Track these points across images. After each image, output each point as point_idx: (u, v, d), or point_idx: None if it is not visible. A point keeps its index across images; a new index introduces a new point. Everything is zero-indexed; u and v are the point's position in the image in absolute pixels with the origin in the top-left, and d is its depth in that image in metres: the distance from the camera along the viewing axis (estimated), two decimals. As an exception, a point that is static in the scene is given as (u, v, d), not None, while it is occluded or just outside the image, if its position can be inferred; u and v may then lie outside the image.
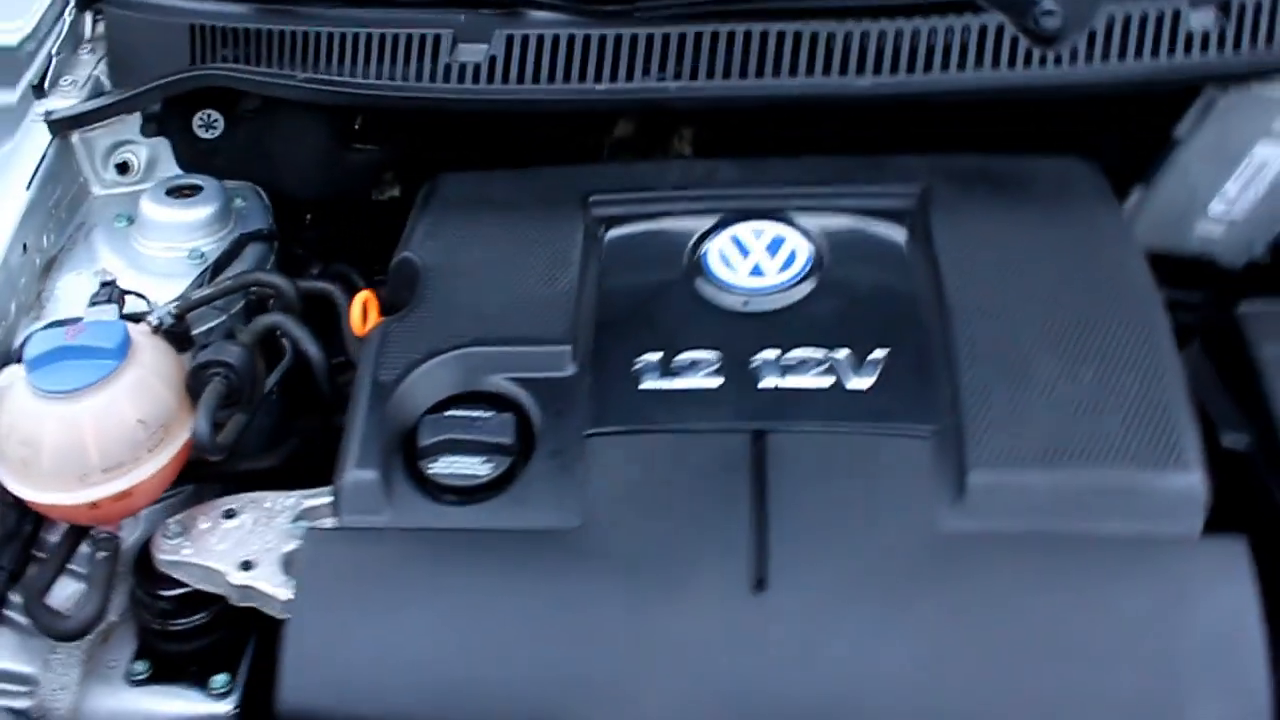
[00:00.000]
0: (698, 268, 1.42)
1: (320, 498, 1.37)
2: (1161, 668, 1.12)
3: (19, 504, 1.42)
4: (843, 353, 1.31)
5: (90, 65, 1.80)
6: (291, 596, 1.27)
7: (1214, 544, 1.18)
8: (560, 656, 1.17)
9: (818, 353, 1.31)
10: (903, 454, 1.24)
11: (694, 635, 1.16)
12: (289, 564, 1.33)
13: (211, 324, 1.58)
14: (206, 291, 1.54)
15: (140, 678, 1.43)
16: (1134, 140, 1.60)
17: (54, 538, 1.48)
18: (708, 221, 1.46)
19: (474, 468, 1.28)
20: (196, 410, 1.39)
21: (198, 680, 1.42)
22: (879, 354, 1.31)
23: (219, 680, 1.42)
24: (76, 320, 1.45)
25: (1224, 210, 1.57)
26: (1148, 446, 1.21)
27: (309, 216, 1.82)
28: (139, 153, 1.79)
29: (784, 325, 1.35)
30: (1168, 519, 1.19)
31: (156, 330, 1.48)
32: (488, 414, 1.31)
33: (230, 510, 1.39)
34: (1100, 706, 1.12)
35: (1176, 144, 1.55)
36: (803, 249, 1.42)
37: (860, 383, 1.29)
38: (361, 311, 1.45)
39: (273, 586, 1.31)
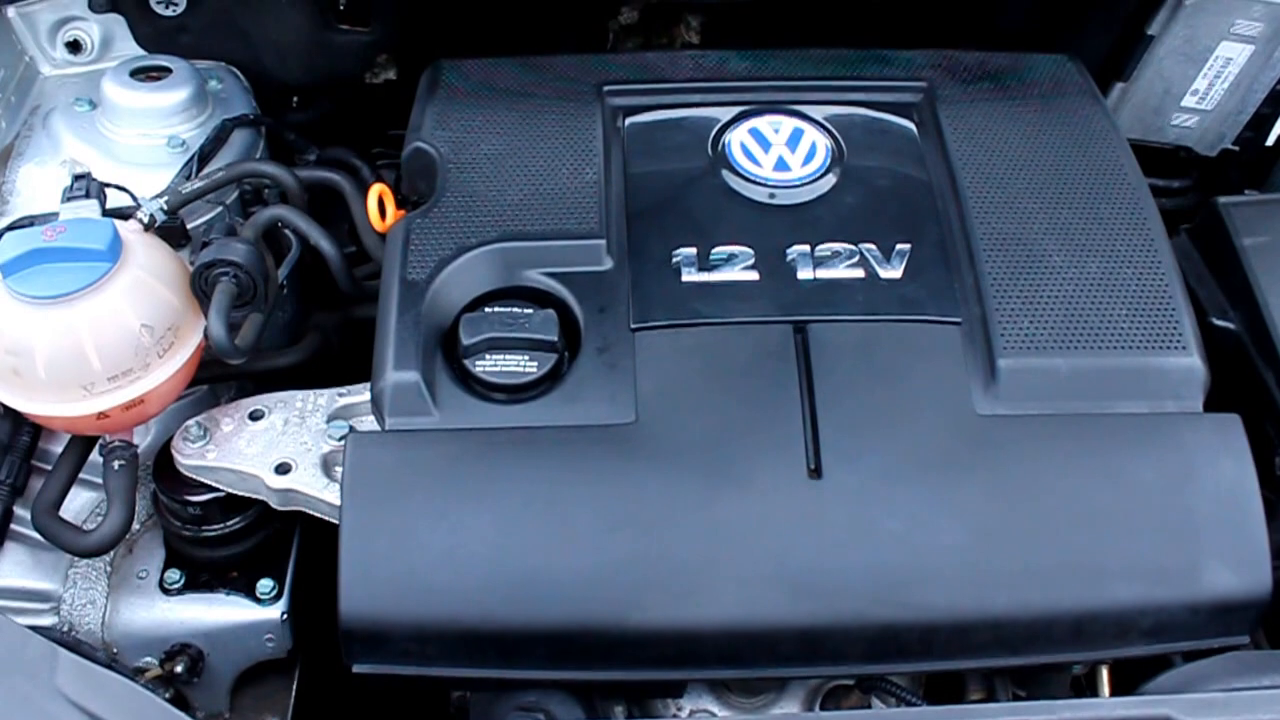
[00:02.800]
0: (723, 160, 1.43)
1: (354, 395, 1.36)
2: (1176, 530, 1.24)
3: (11, 414, 1.36)
4: (870, 244, 1.36)
5: None
6: (337, 499, 1.26)
7: (1213, 420, 1.29)
8: (629, 548, 1.21)
9: (848, 245, 1.36)
10: (937, 341, 1.30)
11: (758, 521, 1.21)
12: (329, 465, 1.33)
13: (205, 218, 1.52)
14: (198, 184, 1.47)
15: (175, 586, 1.40)
16: (1113, 39, 1.67)
17: (55, 448, 1.42)
18: (724, 113, 1.47)
19: (521, 365, 1.28)
20: (209, 313, 1.34)
21: (241, 586, 1.41)
22: (904, 245, 1.36)
23: (265, 585, 1.40)
24: (50, 217, 1.37)
25: (1196, 103, 1.67)
26: (1152, 333, 1.31)
27: (295, 100, 1.75)
28: (90, 30, 1.67)
29: (813, 218, 1.39)
30: (1172, 398, 1.30)
31: (148, 227, 1.41)
32: (529, 310, 1.31)
33: (257, 411, 1.37)
34: (1127, 566, 1.23)
35: (1150, 41, 1.63)
36: (822, 143, 1.45)
37: (890, 273, 1.34)
38: (379, 205, 1.42)
39: (316, 489, 1.30)
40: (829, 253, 1.35)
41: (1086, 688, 1.37)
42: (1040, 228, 1.38)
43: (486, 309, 1.31)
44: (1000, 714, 1.14)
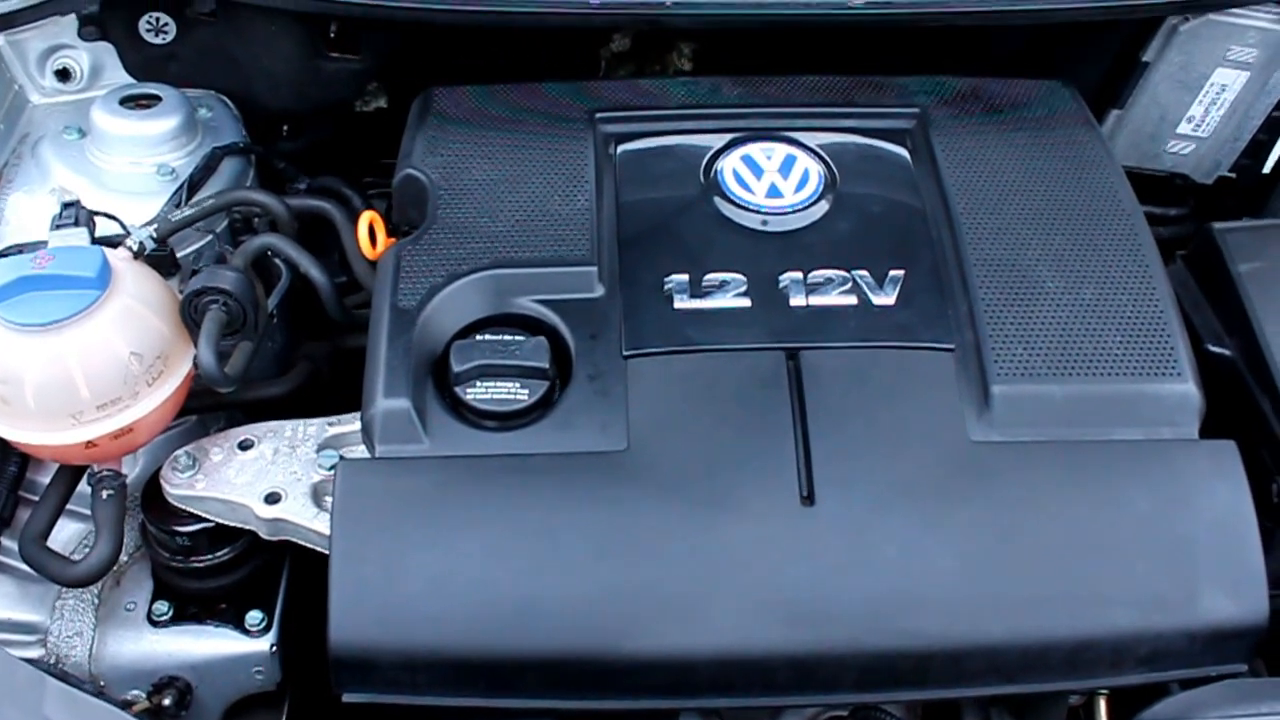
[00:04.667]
0: (715, 186, 1.43)
1: (345, 425, 1.35)
2: (1172, 557, 1.23)
3: (0, 443, 1.35)
4: (863, 271, 1.36)
5: None
6: (326, 528, 1.26)
7: (1209, 446, 1.28)
8: (621, 576, 1.20)
9: (840, 272, 1.35)
10: (930, 368, 1.30)
11: (751, 549, 1.20)
12: (319, 495, 1.32)
13: (195, 246, 1.51)
14: (188, 212, 1.46)
15: (164, 618, 1.39)
16: (1108, 65, 1.68)
17: (43, 478, 1.41)
18: (717, 140, 1.47)
19: (512, 392, 1.28)
20: (198, 341, 1.32)
21: (230, 618, 1.39)
22: (897, 272, 1.36)
23: (254, 617, 1.39)
24: (39, 245, 1.37)
25: (1192, 130, 1.67)
26: (1147, 359, 1.31)
27: (285, 128, 1.75)
28: (79, 58, 1.67)
29: (805, 245, 1.38)
30: (1168, 425, 1.29)
31: (138, 255, 1.40)
32: (520, 337, 1.30)
33: (246, 441, 1.36)
34: (1123, 593, 1.22)
35: (1145, 68, 1.63)
36: (814, 169, 1.45)
37: (883, 300, 1.34)
38: (369, 233, 1.41)
39: (306, 519, 1.29)
40: (822, 279, 1.35)
41: (1084, 717, 1.36)
42: (1034, 254, 1.38)
43: (477, 336, 1.31)
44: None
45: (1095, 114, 1.61)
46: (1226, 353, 1.40)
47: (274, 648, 1.40)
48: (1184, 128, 1.68)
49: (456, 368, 1.28)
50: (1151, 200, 1.73)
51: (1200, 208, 1.75)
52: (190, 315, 1.36)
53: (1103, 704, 1.33)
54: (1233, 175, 1.73)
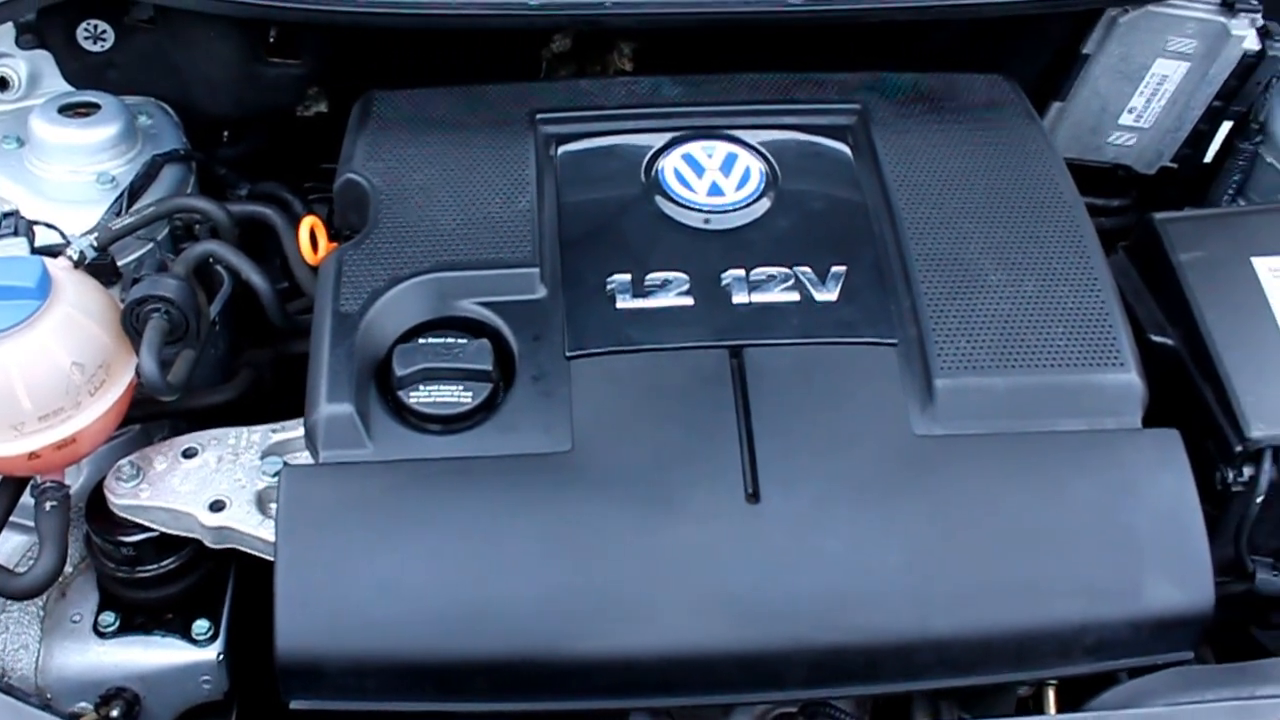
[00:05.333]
0: (656, 186, 1.43)
1: (288, 431, 1.34)
2: (1117, 547, 1.24)
3: (-60, 456, 1.33)
4: (805, 268, 1.36)
5: None
6: (271, 535, 1.24)
7: (1153, 435, 1.29)
8: (567, 577, 1.20)
9: (783, 269, 1.35)
10: (873, 363, 1.30)
11: (697, 547, 1.20)
12: (264, 502, 1.31)
13: (136, 254, 1.50)
14: (127, 220, 1.45)
15: (110, 629, 1.37)
16: (1049, 58, 1.69)
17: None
18: (658, 139, 1.47)
19: (455, 396, 1.27)
20: (141, 350, 1.32)
21: (177, 628, 1.38)
22: (839, 268, 1.36)
23: (201, 626, 1.38)
24: (-24, 256, 1.36)
25: (1133, 121, 1.69)
26: (1089, 350, 1.32)
27: (226, 134, 1.73)
28: (17, 66, 1.65)
29: (747, 242, 1.38)
30: (1111, 415, 1.30)
31: (78, 264, 1.39)
32: (463, 340, 1.30)
33: (190, 449, 1.35)
34: (1068, 583, 1.22)
35: (1086, 60, 1.64)
36: (755, 167, 1.45)
37: (825, 296, 1.34)
38: (310, 238, 1.41)
39: (251, 526, 1.28)
40: (764, 276, 1.35)
41: (1033, 708, 1.36)
42: (976, 247, 1.39)
43: (420, 340, 1.30)
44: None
45: (1037, 107, 1.62)
46: (1169, 342, 1.40)
47: (221, 656, 1.39)
48: (1125, 119, 1.69)
49: (399, 371, 1.28)
50: (1094, 191, 1.75)
51: (1143, 198, 1.77)
52: (132, 324, 1.35)
53: (1051, 694, 1.34)
54: (1175, 165, 1.74)
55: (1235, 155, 1.68)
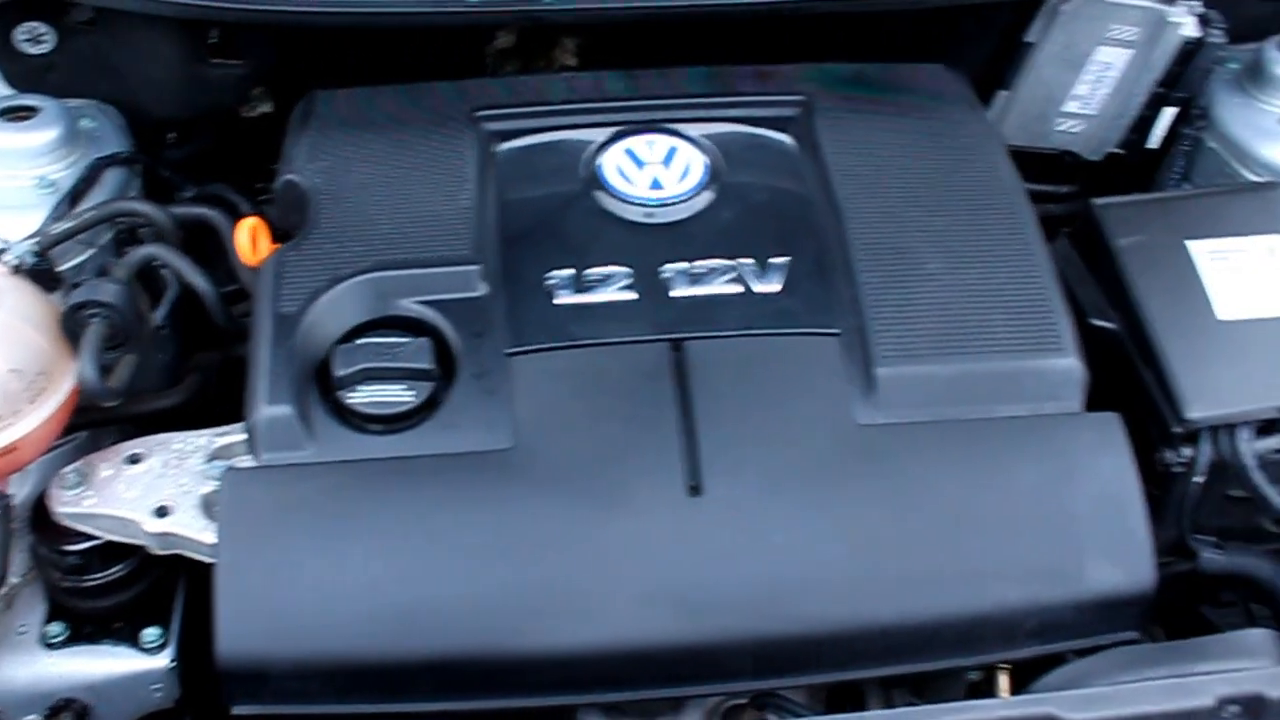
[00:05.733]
0: (597, 181, 1.43)
1: (233, 435, 1.33)
2: (1059, 530, 1.24)
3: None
4: (747, 259, 1.36)
5: None
6: (216, 540, 1.24)
7: (1093, 419, 1.30)
8: (510, 575, 1.19)
9: (724, 261, 1.36)
10: (815, 353, 1.30)
11: (639, 541, 1.20)
12: (208, 506, 1.30)
13: (78, 259, 1.49)
14: (68, 225, 1.44)
15: (58, 640, 1.35)
16: (994, 47, 1.69)
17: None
18: (600, 134, 1.47)
19: (396, 395, 1.27)
20: (80, 355, 1.31)
21: (126, 636, 1.36)
22: (781, 259, 1.36)
23: (151, 633, 1.36)
24: (-91, 263, 1.35)
25: (1078, 108, 1.69)
26: (1029, 335, 1.32)
27: (172, 136, 1.72)
28: (-48, 70, 1.65)
29: (689, 235, 1.39)
30: (1052, 399, 1.30)
31: (17, 270, 1.39)
32: (403, 339, 1.29)
33: (135, 455, 1.34)
34: (1011, 567, 1.23)
35: (1029, 49, 1.65)
36: (697, 160, 1.45)
37: (767, 287, 1.34)
38: (250, 239, 1.40)
39: (195, 531, 1.27)
40: (705, 269, 1.35)
41: (986, 691, 1.37)
42: (918, 236, 1.39)
43: (360, 340, 1.30)
44: (882, 722, 1.14)
45: (984, 95, 1.63)
46: (1110, 326, 1.41)
47: (172, 664, 1.38)
48: (1071, 106, 1.70)
49: (339, 372, 1.27)
50: (1043, 178, 1.75)
51: (1092, 184, 1.77)
52: (71, 330, 1.34)
53: (1004, 678, 1.34)
54: (1122, 152, 1.74)
55: (1180, 141, 1.69)
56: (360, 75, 1.57)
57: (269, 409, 1.26)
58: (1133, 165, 1.77)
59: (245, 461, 1.31)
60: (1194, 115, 1.68)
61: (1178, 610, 1.47)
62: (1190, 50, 1.63)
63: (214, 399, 1.50)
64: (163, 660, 1.37)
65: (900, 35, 1.68)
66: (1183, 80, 1.66)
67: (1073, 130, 1.73)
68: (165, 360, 1.54)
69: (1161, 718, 1.15)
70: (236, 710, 1.20)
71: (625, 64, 1.57)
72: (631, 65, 1.56)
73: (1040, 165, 1.76)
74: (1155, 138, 1.72)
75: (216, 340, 1.51)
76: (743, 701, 1.35)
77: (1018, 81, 1.68)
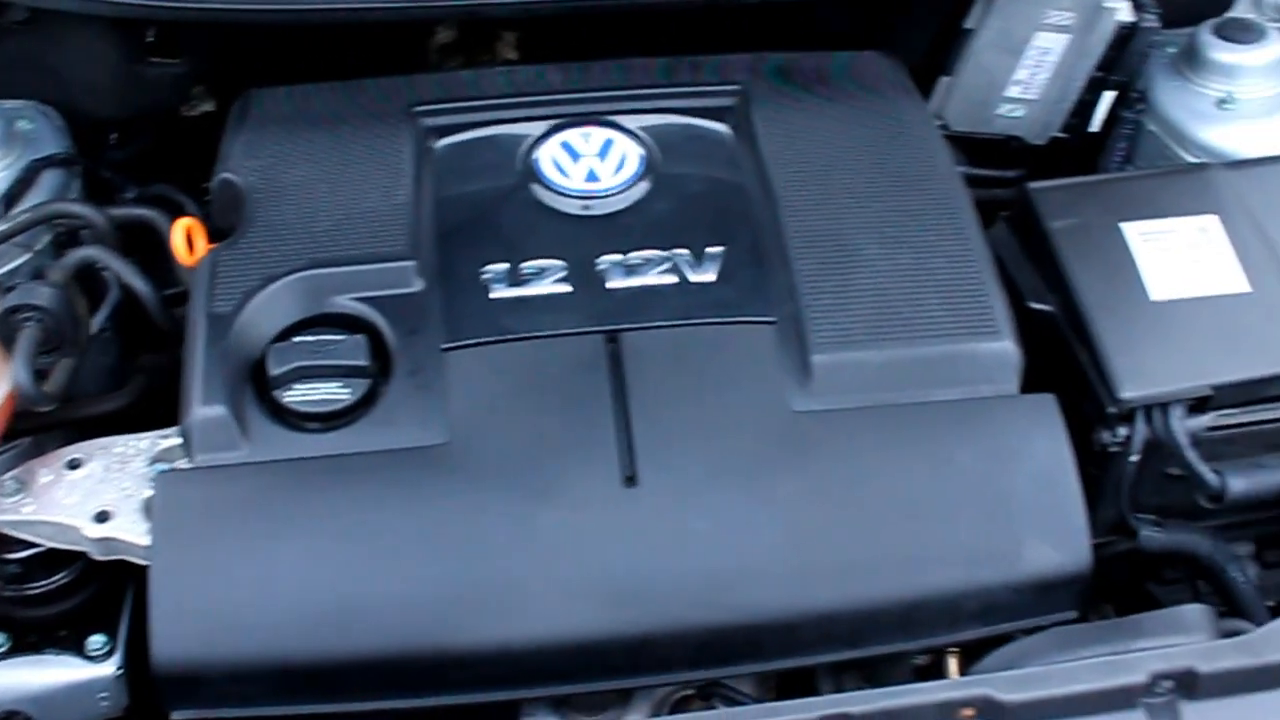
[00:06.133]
0: (533, 174, 1.43)
1: (176, 438, 1.32)
2: (995, 512, 1.25)
3: None
4: (683, 250, 1.36)
5: None
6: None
7: (1028, 401, 1.31)
8: (446, 570, 1.19)
9: (660, 251, 1.36)
10: (750, 342, 1.31)
11: (575, 533, 1.20)
12: (150, 510, 1.29)
13: (14, 263, 1.47)
14: (2, 227, 1.43)
15: (1, 650, 1.33)
16: (935, 34, 1.69)
17: None
18: (537, 128, 1.47)
19: (332, 393, 1.27)
20: (13, 360, 1.30)
21: (71, 645, 1.34)
22: (717, 249, 1.37)
23: (96, 641, 1.34)
24: None
25: (1020, 94, 1.70)
26: (964, 320, 1.33)
27: (114, 136, 1.71)
28: (-113, 76, 1.63)
29: (624, 227, 1.39)
30: (987, 382, 1.31)
31: (-49, 275, 1.39)
32: (338, 337, 1.29)
33: (75, 460, 1.33)
34: (948, 551, 1.24)
35: (969, 35, 1.65)
36: (633, 151, 1.45)
37: (702, 277, 1.35)
38: (185, 240, 1.40)
39: (137, 536, 1.26)
40: (640, 260, 1.35)
41: (936, 676, 1.37)
42: (853, 223, 1.39)
43: (295, 338, 1.29)
44: (818, 707, 1.14)
45: (926, 82, 1.63)
46: (1047, 309, 1.41)
47: (119, 672, 1.37)
48: (1012, 91, 1.70)
49: (274, 371, 1.27)
50: (989, 163, 1.76)
51: (1037, 169, 1.77)
52: (5, 334, 1.33)
53: (953, 662, 1.35)
54: (1065, 136, 1.75)
55: (1120, 125, 1.70)
56: (303, 73, 1.57)
57: (203, 410, 1.25)
58: (1077, 149, 1.77)
59: (186, 463, 1.31)
60: (1132, 99, 1.68)
61: (1126, 588, 1.49)
62: (1126, 35, 1.64)
63: (160, 402, 1.50)
64: (109, 668, 1.36)
65: (841, 23, 1.68)
66: (1120, 64, 1.66)
67: (1015, 115, 1.73)
68: (109, 363, 1.53)
69: (1096, 695, 1.16)
70: (176, 716, 1.20)
71: (566, 57, 1.56)
72: (573, 58, 1.56)
73: (986, 150, 1.77)
74: (1096, 122, 1.73)
75: (161, 342, 1.50)
76: (690, 693, 1.36)
77: (959, 68, 1.68)
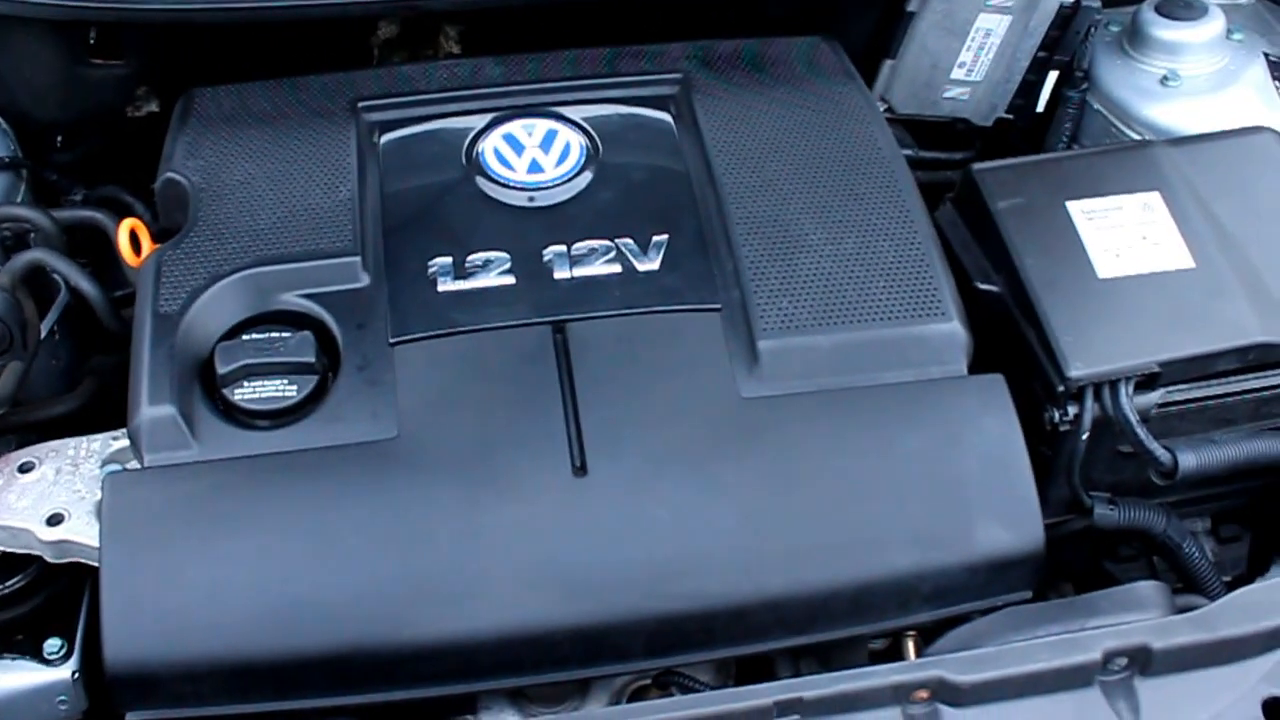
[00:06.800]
0: (477, 167, 1.43)
1: (127, 439, 1.32)
2: (946, 494, 1.26)
3: None
4: (628, 239, 1.36)
5: None
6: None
7: (977, 381, 1.31)
8: (397, 564, 1.19)
9: (604, 241, 1.36)
10: (697, 330, 1.31)
11: (525, 524, 1.20)
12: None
13: (-40, 269, 1.47)
14: (-52, 234, 1.43)
15: None
16: (878, 17, 1.70)
17: None
18: (480, 121, 1.47)
19: (280, 390, 1.26)
20: (-41, 364, 1.30)
21: (28, 649, 1.34)
22: (661, 237, 1.37)
23: (53, 644, 1.33)
24: None
25: (964, 75, 1.71)
26: (911, 302, 1.33)
27: (60, 139, 1.70)
28: None
29: (569, 217, 1.39)
30: (936, 364, 1.31)
31: (-102, 282, 1.37)
32: (286, 334, 1.29)
33: (27, 463, 1.32)
34: (900, 534, 1.24)
35: (912, 18, 1.66)
36: (576, 142, 1.45)
37: (648, 266, 1.35)
38: (131, 241, 1.39)
39: (90, 538, 1.26)
40: (585, 250, 1.35)
41: (894, 659, 1.38)
42: (797, 208, 1.40)
43: (243, 336, 1.29)
44: (773, 692, 1.14)
45: (870, 65, 1.64)
46: (994, 289, 1.42)
47: (76, 675, 1.36)
48: (957, 73, 1.71)
49: (222, 369, 1.27)
50: (937, 145, 1.77)
51: (986, 149, 1.79)
52: (-49, 339, 1.33)
53: (910, 644, 1.35)
54: (1011, 117, 1.76)
55: (1065, 104, 1.71)
56: (247, 71, 1.56)
57: (150, 410, 1.25)
58: (1024, 129, 1.78)
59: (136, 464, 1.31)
60: (1076, 78, 1.69)
61: (1083, 566, 1.49)
62: (1067, 14, 1.65)
63: (111, 403, 1.49)
64: (66, 671, 1.35)
65: (783, 9, 1.68)
66: (1063, 44, 1.68)
67: (961, 97, 1.74)
68: (60, 366, 1.52)
69: (1051, 674, 1.17)
70: (131, 717, 1.19)
71: (510, 49, 1.56)
72: (516, 50, 1.56)
73: (934, 133, 1.77)
74: (1041, 101, 1.74)
75: (112, 344, 1.49)
76: (648, 682, 1.36)
77: (903, 51, 1.69)
